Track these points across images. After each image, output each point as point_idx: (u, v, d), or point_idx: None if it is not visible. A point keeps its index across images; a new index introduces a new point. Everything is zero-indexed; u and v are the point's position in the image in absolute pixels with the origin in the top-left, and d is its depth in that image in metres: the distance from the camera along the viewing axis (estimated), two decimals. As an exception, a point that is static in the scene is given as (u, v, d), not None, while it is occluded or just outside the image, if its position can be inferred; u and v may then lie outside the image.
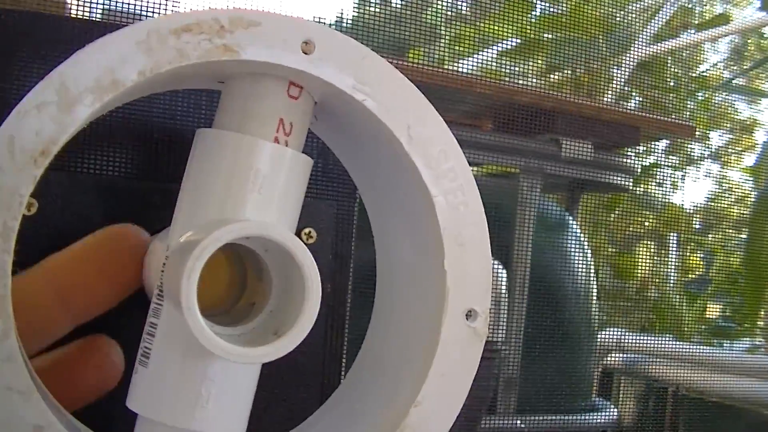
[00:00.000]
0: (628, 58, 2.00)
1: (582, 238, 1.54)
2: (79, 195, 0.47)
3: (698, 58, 2.70)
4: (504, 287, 1.05)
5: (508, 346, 1.30)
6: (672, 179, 2.24)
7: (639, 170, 1.52)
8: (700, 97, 2.35)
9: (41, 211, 0.46)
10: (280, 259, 0.35)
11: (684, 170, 2.18)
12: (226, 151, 0.36)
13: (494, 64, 1.93)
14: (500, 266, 1.05)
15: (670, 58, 2.19)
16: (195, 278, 0.32)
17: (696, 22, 2.45)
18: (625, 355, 1.91)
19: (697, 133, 2.48)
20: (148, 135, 0.49)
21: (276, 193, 0.36)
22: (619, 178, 1.43)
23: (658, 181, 2.10)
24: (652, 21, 2.13)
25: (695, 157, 2.29)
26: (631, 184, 1.47)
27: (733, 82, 2.42)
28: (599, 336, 1.88)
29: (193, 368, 0.35)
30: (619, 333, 1.93)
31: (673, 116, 1.91)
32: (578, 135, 1.34)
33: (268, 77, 0.36)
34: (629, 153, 1.53)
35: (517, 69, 2.15)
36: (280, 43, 0.35)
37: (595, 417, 1.48)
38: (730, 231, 2.36)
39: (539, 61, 2.21)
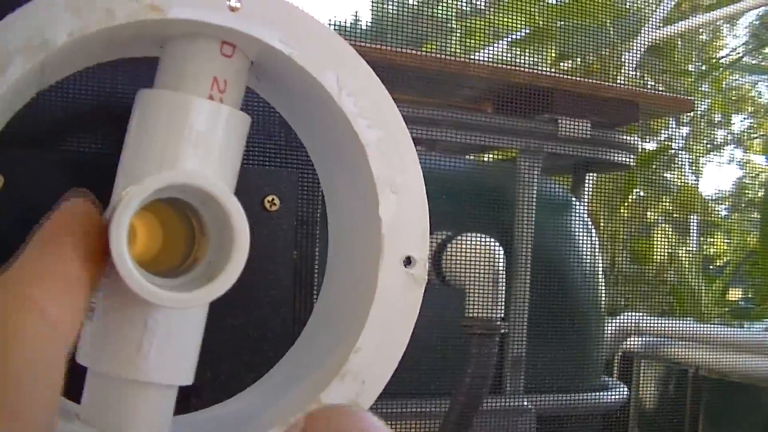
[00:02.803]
0: (638, 43, 1.99)
1: (586, 219, 1.54)
2: (46, 171, 0.48)
3: (714, 42, 2.69)
4: (501, 265, 1.05)
5: (513, 325, 1.31)
6: (689, 161, 2.23)
7: (640, 147, 1.51)
8: (712, 79, 2.33)
9: (7, 186, 0.47)
10: (215, 211, 0.36)
11: (696, 151, 2.17)
12: (163, 109, 0.37)
13: (507, 55, 1.93)
14: (497, 244, 1.06)
15: (680, 41, 2.18)
16: (124, 226, 0.33)
17: (705, 3, 2.44)
18: (644, 339, 1.91)
19: (716, 117, 2.46)
20: (112, 109, 0.50)
21: (212, 149, 0.37)
22: (620, 156, 1.43)
23: (668, 162, 2.09)
24: (662, 4, 2.12)
25: (710, 138, 2.28)
26: (632, 161, 1.46)
27: (744, 60, 2.40)
28: (617, 320, 1.88)
29: (132, 319, 0.36)
30: (637, 317, 1.92)
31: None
32: (576, 114, 1.34)
33: (200, 37, 0.37)
34: (635, 133, 1.53)
35: (528, 59, 2.15)
36: (207, 2, 0.36)
37: (605, 396, 1.47)
38: (749, 212, 2.35)
39: (551, 52, 2.21)
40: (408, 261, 0.38)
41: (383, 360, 0.38)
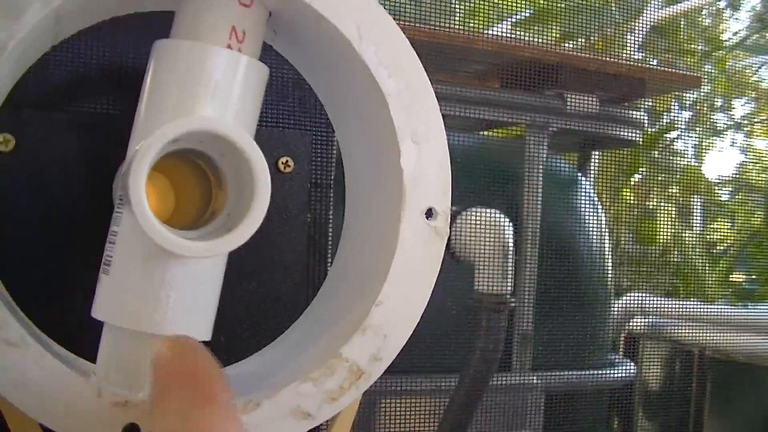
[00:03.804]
0: (641, 22, 1.98)
1: (593, 196, 1.53)
2: (56, 131, 0.48)
3: (718, 24, 2.68)
4: (510, 240, 1.04)
5: (520, 301, 1.30)
6: (693, 141, 2.23)
7: (646, 123, 1.50)
8: (715, 59, 2.32)
9: (18, 147, 0.46)
10: (234, 161, 0.35)
11: (702, 132, 2.16)
12: (180, 59, 0.36)
13: (509, 35, 1.92)
14: (505, 218, 1.05)
15: (683, 20, 2.17)
16: (143, 173, 0.32)
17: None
18: (649, 319, 1.90)
19: (718, 102, 2.45)
20: (123, 69, 0.49)
21: (230, 98, 0.36)
22: (627, 132, 1.42)
23: (671, 144, 2.08)
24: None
25: (712, 122, 2.27)
26: (639, 138, 1.46)
27: (748, 41, 2.39)
28: (623, 300, 1.87)
29: (151, 272, 0.35)
30: (642, 297, 1.91)
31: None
32: (583, 89, 1.33)
33: (218, -15, 0.37)
34: (640, 108, 1.52)
35: (531, 40, 2.13)
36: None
37: (612, 373, 1.47)
38: (753, 196, 2.34)
39: (554, 32, 2.20)
40: (429, 213, 0.38)
41: (405, 314, 0.38)
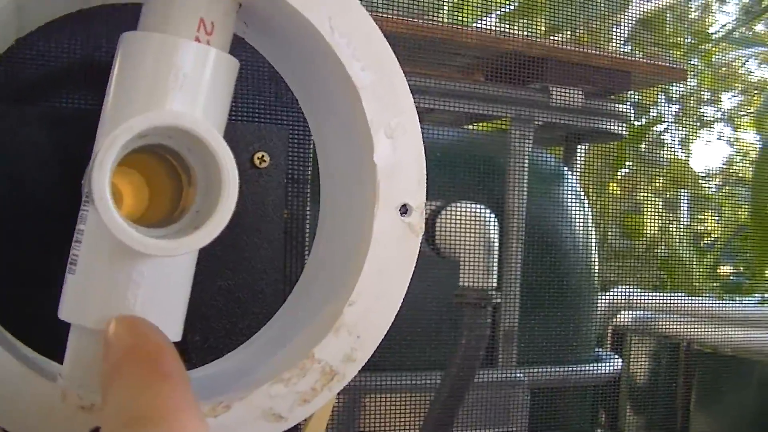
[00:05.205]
0: (627, 15, 1.98)
1: (579, 190, 1.53)
2: (27, 125, 0.47)
3: (705, 17, 2.68)
4: (495, 234, 1.04)
5: (505, 296, 1.30)
6: (679, 134, 2.23)
7: (632, 116, 1.50)
8: (702, 52, 2.32)
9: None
10: (202, 156, 0.34)
11: (687, 125, 2.16)
12: (148, 52, 0.35)
13: (496, 28, 1.92)
14: (489, 212, 1.04)
15: (669, 13, 2.17)
16: (107, 169, 0.31)
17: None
18: (635, 313, 1.90)
19: (705, 95, 2.45)
20: (95, 62, 0.48)
21: (199, 92, 0.35)
22: (612, 125, 1.41)
23: (658, 137, 2.08)
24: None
25: (699, 115, 2.27)
26: (625, 131, 1.45)
27: (736, 33, 2.39)
28: (609, 294, 1.87)
29: (118, 272, 0.34)
30: (629, 291, 1.91)
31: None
32: (568, 82, 1.32)
33: (186, -24, 0.36)
34: (626, 102, 1.52)
35: (518, 33, 2.13)
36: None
37: (598, 368, 1.47)
38: (739, 188, 2.34)
39: (540, 25, 2.19)
40: (404, 209, 0.37)
41: (379, 313, 0.37)
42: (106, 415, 0.30)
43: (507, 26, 2.12)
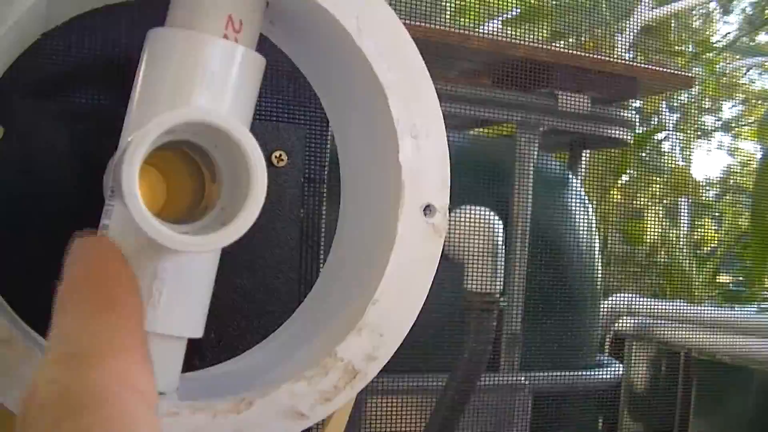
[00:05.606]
0: (631, 23, 1.98)
1: (583, 195, 1.53)
2: (45, 121, 0.47)
3: (708, 26, 2.68)
4: (501, 239, 1.04)
5: (509, 301, 1.30)
6: (680, 144, 2.23)
7: (637, 123, 1.50)
8: (705, 60, 2.33)
9: (7, 137, 0.45)
10: (229, 153, 0.34)
11: (688, 134, 2.16)
12: (175, 49, 0.36)
13: (499, 34, 1.92)
14: (495, 216, 1.04)
15: (674, 21, 2.17)
16: (136, 164, 0.31)
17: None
18: (636, 320, 1.90)
19: (707, 103, 2.45)
20: (115, 59, 0.48)
21: (226, 89, 0.35)
22: (618, 132, 1.42)
23: (660, 144, 2.08)
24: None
25: (701, 123, 2.27)
26: (630, 138, 1.45)
27: (738, 43, 2.40)
28: (610, 301, 1.87)
29: (142, 267, 0.34)
30: (629, 298, 1.91)
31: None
32: (575, 88, 1.33)
33: (214, -27, 0.36)
34: (630, 109, 1.52)
35: (521, 39, 2.13)
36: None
37: (600, 374, 1.47)
38: (739, 197, 2.35)
39: (544, 31, 2.19)
40: (428, 210, 0.37)
41: (402, 313, 0.37)
42: (46, 346, 0.27)
43: (510, 31, 2.12)
